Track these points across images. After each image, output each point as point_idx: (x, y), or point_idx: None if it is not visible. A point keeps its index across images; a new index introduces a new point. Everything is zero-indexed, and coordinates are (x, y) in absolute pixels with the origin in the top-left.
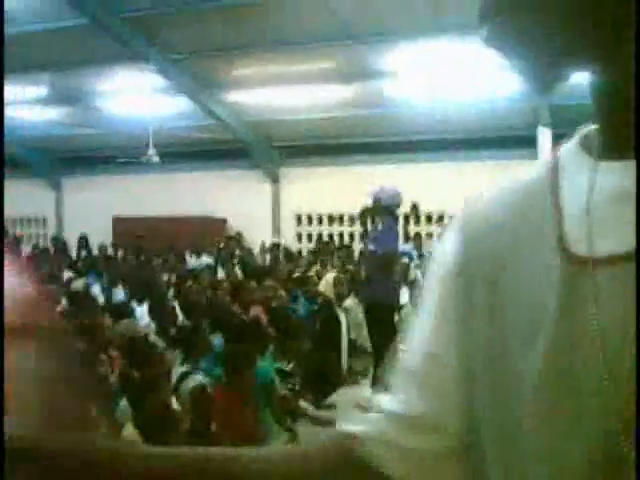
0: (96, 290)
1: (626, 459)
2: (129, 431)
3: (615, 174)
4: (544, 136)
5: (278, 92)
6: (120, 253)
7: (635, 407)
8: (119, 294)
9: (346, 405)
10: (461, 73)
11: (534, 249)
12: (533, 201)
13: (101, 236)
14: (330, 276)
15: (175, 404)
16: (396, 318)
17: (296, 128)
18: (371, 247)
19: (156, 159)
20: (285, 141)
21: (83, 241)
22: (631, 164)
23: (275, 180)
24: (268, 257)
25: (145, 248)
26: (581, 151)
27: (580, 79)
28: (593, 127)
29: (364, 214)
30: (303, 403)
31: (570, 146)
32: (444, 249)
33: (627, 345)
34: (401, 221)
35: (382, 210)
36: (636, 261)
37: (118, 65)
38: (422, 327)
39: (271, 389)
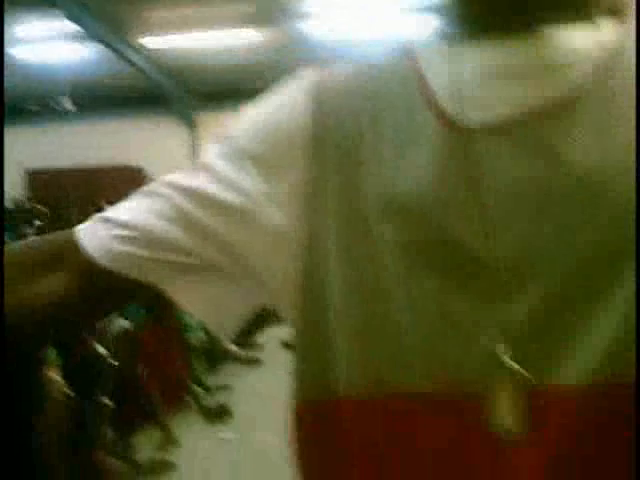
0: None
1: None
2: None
3: (484, 52)
4: None
5: (194, 36)
6: (35, 206)
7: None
8: None
9: (272, 344)
10: (383, 14)
11: (401, 117)
12: (394, 84)
13: (15, 189)
14: None
15: (101, 349)
16: None
17: (213, 73)
18: None
19: (70, 107)
20: (202, 86)
21: None
22: (499, 42)
23: (192, 126)
24: None
25: (61, 200)
26: (440, 38)
27: None
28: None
29: None
30: (231, 346)
31: (424, 35)
32: (288, 112)
33: (510, 220)
34: None
35: None
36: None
37: (27, 11)
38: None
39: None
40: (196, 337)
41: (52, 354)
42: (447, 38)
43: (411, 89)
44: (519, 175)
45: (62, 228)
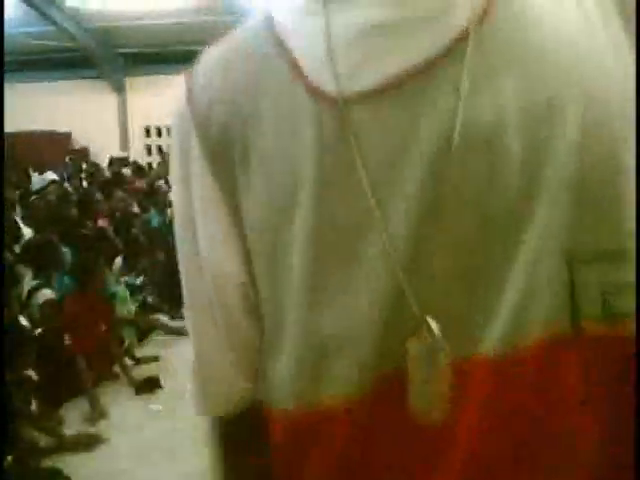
0: None
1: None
2: None
3: (350, 11)
4: None
5: None
6: None
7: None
8: None
9: None
10: None
11: (277, 102)
12: (261, 63)
13: None
14: None
15: (24, 320)
16: None
17: (140, 35)
18: None
19: None
20: (129, 49)
21: None
22: None
23: (121, 90)
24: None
25: None
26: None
27: None
28: None
29: None
30: (160, 317)
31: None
32: (179, 137)
33: (396, 186)
34: None
35: None
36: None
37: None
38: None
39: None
40: (124, 307)
41: None
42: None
43: (279, 64)
44: (402, 142)
45: None
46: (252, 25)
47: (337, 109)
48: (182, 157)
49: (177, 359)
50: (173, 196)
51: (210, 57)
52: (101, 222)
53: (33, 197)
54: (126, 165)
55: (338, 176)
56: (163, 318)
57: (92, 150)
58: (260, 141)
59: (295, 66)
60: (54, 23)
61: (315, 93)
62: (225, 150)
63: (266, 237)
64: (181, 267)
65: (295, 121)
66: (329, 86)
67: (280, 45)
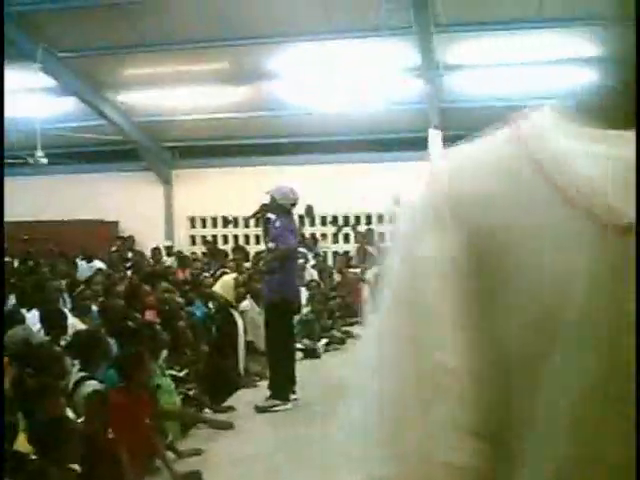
0: None
1: None
2: (21, 443)
3: (621, 146)
4: (434, 137)
5: (168, 92)
6: (7, 259)
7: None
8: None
9: (244, 407)
10: (355, 75)
11: (539, 219)
12: (511, 172)
13: None
14: (229, 278)
15: (70, 412)
16: (295, 318)
17: (187, 129)
18: (270, 245)
19: (44, 160)
20: (176, 142)
21: None
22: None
23: (167, 182)
24: (162, 261)
25: (34, 253)
26: (570, 121)
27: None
28: (582, 98)
29: (261, 211)
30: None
31: (546, 118)
32: (431, 241)
33: None
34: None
35: (278, 208)
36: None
37: (4, 64)
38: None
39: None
40: (169, 400)
41: (19, 419)
42: (581, 120)
43: (537, 182)
44: None
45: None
46: (498, 138)
47: (612, 237)
48: (416, 238)
49: (219, 453)
50: (393, 273)
51: (464, 157)
52: (148, 314)
53: (80, 287)
54: (170, 255)
55: (606, 308)
56: (206, 411)
57: (138, 239)
58: (518, 253)
59: (561, 188)
60: (106, 117)
61: (590, 218)
62: (479, 248)
63: (519, 356)
64: (379, 346)
65: (563, 243)
66: (605, 213)
67: (538, 163)
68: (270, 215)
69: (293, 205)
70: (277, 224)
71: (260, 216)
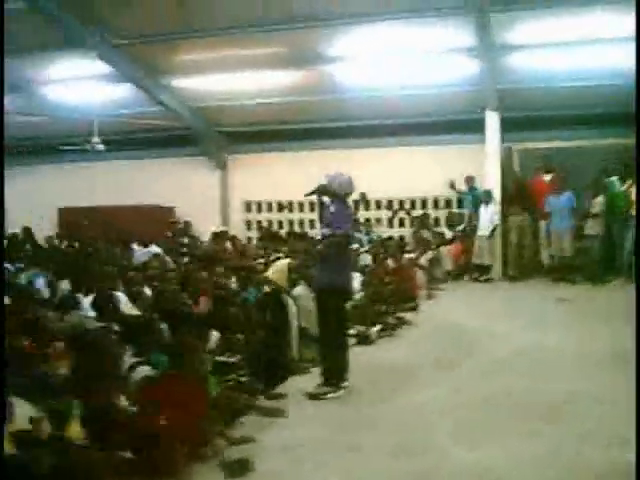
0: (41, 283)
1: None
2: (74, 428)
3: None
4: (491, 120)
5: (225, 78)
6: (65, 244)
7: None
8: (64, 286)
9: (295, 394)
10: (410, 58)
11: None
12: None
13: (46, 227)
14: (283, 263)
15: (121, 398)
16: (347, 305)
17: (244, 114)
18: (324, 230)
19: (101, 147)
20: (232, 127)
21: (27, 233)
22: None
23: (223, 167)
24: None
25: (91, 239)
26: None
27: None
28: None
29: (317, 191)
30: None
31: None
32: None
33: None
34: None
35: (334, 194)
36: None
37: (60, 52)
38: None
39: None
40: (218, 387)
41: (74, 405)
42: None
43: None
44: None
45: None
46: None
47: None
48: None
49: (271, 440)
50: None
51: None
52: (202, 300)
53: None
54: (226, 239)
55: None
56: (258, 399)
57: (194, 223)
58: None
59: None
60: (159, 102)
61: None
62: None
63: None
64: None
65: None
66: None
67: None
68: (325, 199)
69: (349, 194)
70: (332, 209)
71: (315, 197)
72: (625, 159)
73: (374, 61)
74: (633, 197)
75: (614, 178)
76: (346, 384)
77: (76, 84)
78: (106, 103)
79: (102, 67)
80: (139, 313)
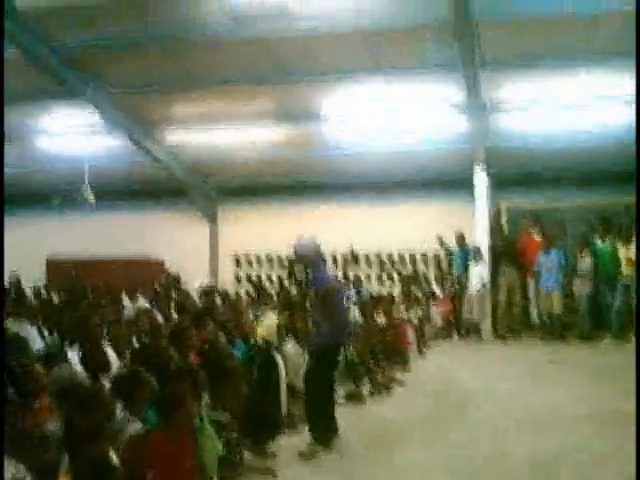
0: (28, 333)
1: None
2: None
3: None
4: (480, 178)
5: (216, 132)
6: (53, 296)
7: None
8: (52, 338)
9: (287, 453)
10: (398, 116)
11: None
12: None
13: (34, 277)
14: (272, 319)
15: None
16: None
17: (234, 168)
18: (310, 292)
19: (91, 198)
20: (223, 181)
21: (15, 282)
22: None
23: (213, 220)
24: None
25: (79, 291)
26: None
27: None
28: None
29: (291, 267)
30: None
31: None
32: None
33: None
34: (341, 263)
35: (303, 259)
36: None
37: (53, 102)
38: None
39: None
40: (209, 444)
41: (64, 458)
42: None
43: None
44: None
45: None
46: None
47: None
48: None
49: None
50: None
51: None
52: (192, 356)
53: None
54: (215, 295)
55: None
56: (246, 456)
57: (183, 277)
58: None
59: None
60: (151, 155)
61: None
62: None
63: None
64: None
65: None
66: None
67: None
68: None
69: (316, 254)
70: (310, 273)
71: (291, 270)
72: (611, 218)
73: (364, 118)
74: (621, 255)
75: (597, 240)
76: (337, 444)
77: (67, 135)
78: (97, 154)
79: (95, 119)
80: (129, 368)
